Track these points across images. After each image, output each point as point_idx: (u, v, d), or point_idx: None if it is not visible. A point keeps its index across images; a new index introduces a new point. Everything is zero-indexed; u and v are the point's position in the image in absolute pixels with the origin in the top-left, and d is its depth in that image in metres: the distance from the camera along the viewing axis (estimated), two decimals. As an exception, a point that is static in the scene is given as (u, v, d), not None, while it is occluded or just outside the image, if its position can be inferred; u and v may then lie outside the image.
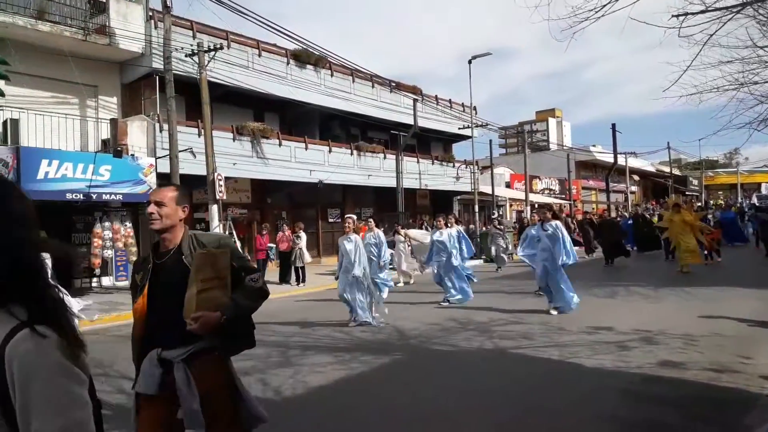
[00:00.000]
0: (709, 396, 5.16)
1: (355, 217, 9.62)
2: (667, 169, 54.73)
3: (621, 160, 42.94)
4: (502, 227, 20.74)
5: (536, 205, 33.83)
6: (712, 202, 40.31)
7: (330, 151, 21.66)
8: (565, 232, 9.88)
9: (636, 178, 53.03)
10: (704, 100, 9.85)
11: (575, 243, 20.27)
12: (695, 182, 58.79)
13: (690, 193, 55.41)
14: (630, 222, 22.56)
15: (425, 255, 12.73)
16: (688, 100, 9.74)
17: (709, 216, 20.68)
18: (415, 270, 16.14)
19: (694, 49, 7.96)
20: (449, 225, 12.53)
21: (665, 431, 4.41)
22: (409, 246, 16.22)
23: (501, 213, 26.28)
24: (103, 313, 11.21)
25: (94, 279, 15.25)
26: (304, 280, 15.53)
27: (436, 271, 11.65)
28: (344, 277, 9.36)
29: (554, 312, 9.51)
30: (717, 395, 5.16)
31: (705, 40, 7.17)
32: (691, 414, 4.75)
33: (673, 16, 6.99)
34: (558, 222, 9.97)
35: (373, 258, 10.94)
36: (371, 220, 12.02)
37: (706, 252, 16.60)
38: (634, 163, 47.77)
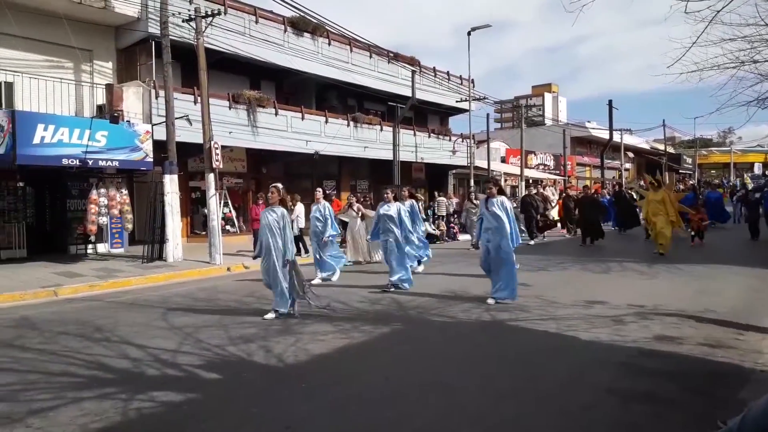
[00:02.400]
0: (705, 370, 5.26)
1: (280, 185, 8.16)
2: (661, 147, 54.86)
3: (616, 137, 42.97)
4: (477, 202, 20.72)
5: (530, 180, 33.95)
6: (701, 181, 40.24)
7: (326, 121, 21.53)
8: (511, 211, 8.66)
9: (630, 155, 53.13)
10: (704, 78, 9.86)
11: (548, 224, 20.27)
12: (689, 160, 59.01)
13: (683, 171, 55.70)
14: (611, 199, 22.59)
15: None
16: (688, 77, 9.74)
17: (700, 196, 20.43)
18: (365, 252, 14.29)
19: (698, 26, 7.95)
20: (403, 198, 11.85)
21: (662, 403, 4.50)
22: (362, 222, 14.21)
23: (475, 188, 26.16)
24: (100, 279, 11.23)
25: (89, 245, 15.24)
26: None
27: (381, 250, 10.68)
28: (267, 259, 7.79)
29: (491, 301, 8.37)
30: (712, 369, 5.26)
31: (711, 16, 7.16)
32: (687, 387, 4.85)
33: (681, -9, 6.96)
34: (504, 198, 8.65)
35: (318, 233, 10.81)
36: (319, 190, 11.58)
37: (692, 233, 16.40)
38: (629, 140, 47.81)
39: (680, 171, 56.42)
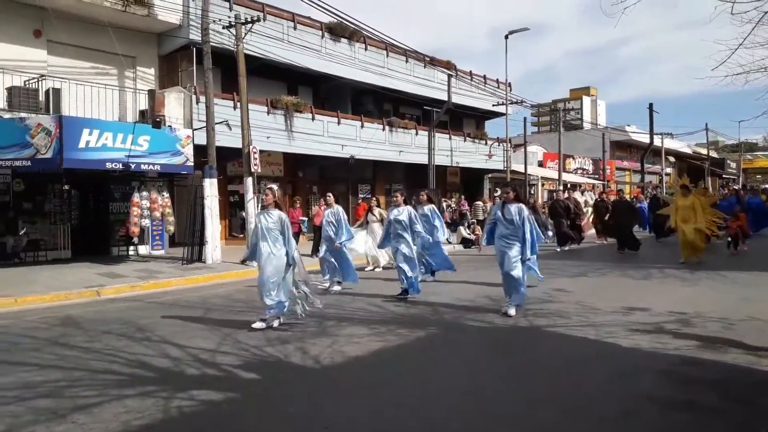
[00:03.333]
0: (749, 380, 5.11)
1: (275, 186, 7.61)
2: (703, 151, 53.50)
3: (657, 141, 42.06)
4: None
5: (568, 185, 33.48)
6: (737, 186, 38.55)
7: (362, 126, 21.64)
8: (529, 220, 8.08)
9: (672, 159, 51.97)
10: (750, 81, 9.61)
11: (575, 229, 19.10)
12: (733, 165, 57.38)
13: (727, 176, 54.18)
14: (645, 205, 21.89)
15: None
16: (733, 80, 9.51)
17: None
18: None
19: (745, 27, 7.75)
20: (422, 202, 11.51)
21: (703, 412, 4.40)
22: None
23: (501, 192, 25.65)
24: (141, 280, 11.49)
25: (131, 247, 15.62)
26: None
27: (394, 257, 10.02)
28: (264, 269, 7.23)
29: (505, 309, 7.99)
30: (756, 379, 5.11)
31: (759, 17, 6.98)
32: (729, 396, 4.72)
33: (726, -8, 6.80)
34: (522, 206, 8.11)
35: (331, 238, 10.32)
36: (330, 195, 10.96)
37: (729, 240, 15.61)
38: (670, 144, 46.78)
39: (724, 176, 54.88)
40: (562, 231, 17.92)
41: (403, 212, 9.52)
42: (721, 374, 5.23)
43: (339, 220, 10.36)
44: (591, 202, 23.43)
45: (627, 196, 25.53)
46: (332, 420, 4.30)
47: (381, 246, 10.80)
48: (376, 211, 13.84)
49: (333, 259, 10.43)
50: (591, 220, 20.91)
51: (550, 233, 18.76)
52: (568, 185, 30.32)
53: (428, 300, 9.27)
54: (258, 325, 7.15)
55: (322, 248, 10.61)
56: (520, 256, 8.00)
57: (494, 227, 8.31)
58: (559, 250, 17.44)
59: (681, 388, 4.93)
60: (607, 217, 18.56)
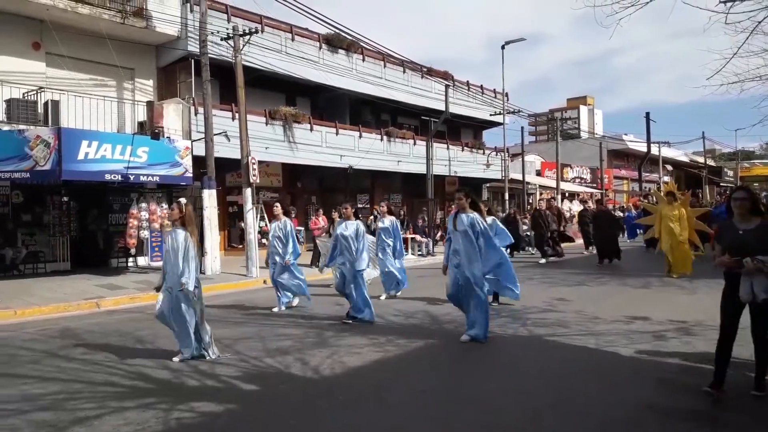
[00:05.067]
0: (749, 389, 5.10)
1: (184, 200, 6.70)
2: (701, 159, 53.67)
3: (654, 150, 42.19)
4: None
5: (566, 194, 33.55)
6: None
7: (360, 136, 21.69)
8: (487, 231, 7.03)
9: (669, 168, 52.10)
10: (746, 89, 9.68)
11: (564, 239, 18.63)
12: (730, 173, 57.53)
13: (725, 185, 54.29)
14: (638, 214, 21.69)
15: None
16: (728, 88, 9.57)
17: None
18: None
19: (739, 37, 7.81)
20: (382, 215, 10.67)
21: (704, 420, 4.41)
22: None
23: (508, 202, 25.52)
24: (140, 292, 11.47)
25: (130, 259, 15.60)
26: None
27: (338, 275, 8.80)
28: (166, 292, 6.42)
29: (466, 337, 6.92)
30: (758, 387, 5.10)
31: (752, 27, 7.04)
32: (730, 405, 4.73)
33: (720, 2, 6.87)
34: (476, 215, 6.93)
35: (278, 254, 9.46)
36: (277, 205, 9.94)
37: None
38: (667, 152, 46.90)
39: (721, 184, 55.01)
40: (543, 243, 17.39)
41: (351, 227, 8.44)
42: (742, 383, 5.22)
43: (287, 234, 9.49)
44: (568, 213, 23.29)
45: (610, 205, 25.42)
46: (333, 431, 4.29)
47: (327, 265, 9.61)
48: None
49: (285, 276, 9.49)
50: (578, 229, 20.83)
51: (530, 249, 18.55)
52: (551, 196, 30.03)
53: (427, 310, 9.27)
54: (176, 359, 6.28)
55: (272, 268, 9.61)
56: (480, 278, 6.90)
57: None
58: (543, 262, 16.84)
59: (682, 396, 4.93)
60: (591, 228, 18.27)
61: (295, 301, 9.91)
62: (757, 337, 4.90)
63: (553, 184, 32.48)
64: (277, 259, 9.51)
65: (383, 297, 10.50)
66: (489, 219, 9.69)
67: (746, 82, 9.58)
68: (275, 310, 9.46)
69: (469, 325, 6.99)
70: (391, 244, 10.80)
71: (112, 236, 15.67)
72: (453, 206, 7.86)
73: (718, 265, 4.85)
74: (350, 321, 8.26)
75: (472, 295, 6.88)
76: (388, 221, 10.98)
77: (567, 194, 34.76)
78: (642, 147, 41.63)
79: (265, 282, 13.18)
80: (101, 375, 5.75)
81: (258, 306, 10.12)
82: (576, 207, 26.37)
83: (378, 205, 11.39)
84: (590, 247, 19.41)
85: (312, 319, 8.75)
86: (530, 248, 19.17)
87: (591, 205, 22.33)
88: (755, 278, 4.57)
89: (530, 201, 32.04)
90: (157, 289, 6.56)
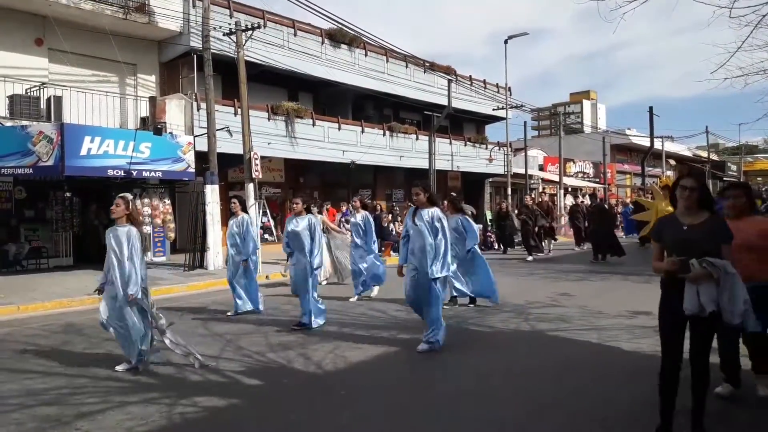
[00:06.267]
0: (753, 383, 5.10)
1: (129, 196, 6.09)
2: (704, 154, 53.51)
3: (657, 144, 42.07)
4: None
5: (569, 188, 33.49)
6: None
7: (363, 131, 21.68)
8: (447, 229, 6.44)
9: (672, 162, 51.96)
10: (749, 83, 9.64)
11: (548, 234, 18.21)
12: (734, 167, 57.37)
13: (728, 179, 54.15)
14: (630, 209, 21.28)
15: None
16: (732, 82, 9.53)
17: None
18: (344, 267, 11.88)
19: (743, 31, 7.78)
20: (356, 209, 10.33)
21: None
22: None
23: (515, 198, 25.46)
24: (144, 287, 11.47)
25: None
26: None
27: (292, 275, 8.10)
28: (113, 296, 5.92)
29: (424, 347, 6.32)
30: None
31: (757, 21, 7.00)
32: (734, 400, 4.72)
33: (724, -5, 6.83)
34: (436, 210, 6.43)
35: (235, 255, 8.82)
36: (235, 201, 9.17)
37: None
38: (670, 147, 46.79)
39: (725, 179, 54.87)
40: (529, 239, 17.05)
41: (302, 222, 7.72)
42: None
43: (244, 232, 8.80)
44: (557, 208, 23.04)
45: (613, 200, 25.20)
46: (335, 427, 4.29)
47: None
48: (319, 218, 11.81)
49: (243, 280, 8.85)
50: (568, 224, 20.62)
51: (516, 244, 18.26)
52: (537, 190, 29.84)
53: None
54: (120, 367, 5.76)
55: (230, 269, 8.94)
56: (436, 280, 6.30)
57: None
58: (530, 259, 16.42)
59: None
60: (587, 224, 18.02)
61: (246, 307, 8.87)
62: (698, 362, 3.97)
63: (556, 178, 32.42)
64: (236, 258, 8.83)
65: (353, 299, 9.94)
66: (458, 216, 9.19)
67: (750, 75, 9.55)
68: (230, 314, 8.72)
69: (427, 332, 6.41)
70: (360, 241, 10.28)
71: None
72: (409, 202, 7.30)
73: (658, 269, 4.02)
74: (297, 328, 7.52)
75: (428, 297, 6.33)
76: (360, 216, 10.37)
77: (570, 189, 34.73)
78: (645, 141, 41.50)
79: (267, 277, 13.22)
80: (104, 370, 5.76)
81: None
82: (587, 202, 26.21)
83: (353, 199, 10.87)
84: (582, 244, 19.26)
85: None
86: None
87: (582, 199, 21.95)
88: (701, 285, 3.71)
89: (533, 196, 31.97)
90: (99, 292, 6.08)
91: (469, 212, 11.01)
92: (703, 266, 3.68)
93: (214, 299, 10.53)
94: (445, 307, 8.19)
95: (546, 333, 7.16)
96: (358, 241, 10.32)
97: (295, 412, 4.58)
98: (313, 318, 7.60)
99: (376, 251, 10.66)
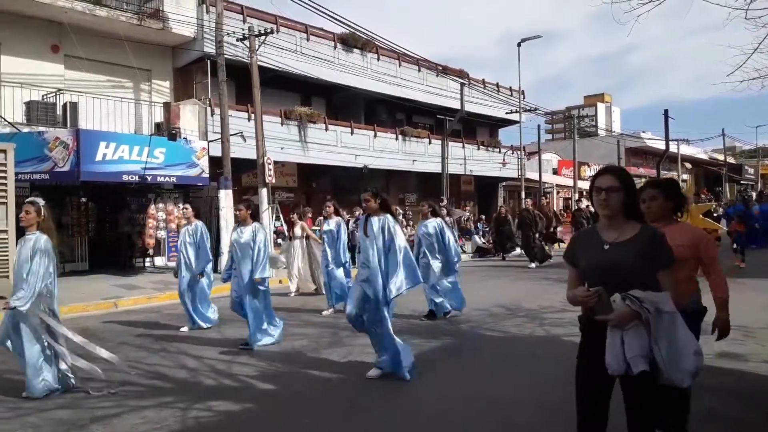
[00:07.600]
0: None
1: (42, 201, 5.27)
2: (720, 157, 52.97)
3: (673, 148, 41.69)
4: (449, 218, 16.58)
5: (584, 192, 33.23)
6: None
7: (375, 135, 21.69)
8: (402, 240, 5.55)
9: (688, 166, 51.49)
10: (766, 85, 9.52)
11: (549, 239, 17.45)
12: (751, 171, 56.72)
13: (745, 182, 53.60)
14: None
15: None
16: (749, 84, 9.42)
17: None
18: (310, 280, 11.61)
19: (760, 32, 7.69)
20: (328, 216, 9.53)
21: (724, 421, 4.34)
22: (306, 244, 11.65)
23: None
24: (158, 291, 11.56)
25: (147, 259, 15.73)
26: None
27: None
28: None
29: (375, 372, 5.53)
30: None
31: (774, 22, 6.92)
32: (751, 405, 4.66)
33: (740, -4, 6.76)
34: (388, 218, 5.61)
35: (189, 266, 8.18)
36: (187, 206, 8.72)
37: (734, 247, 14.18)
38: (686, 150, 46.34)
39: (741, 182, 54.28)
40: (531, 245, 16.29)
41: (246, 232, 7.03)
42: (743, 383, 5.16)
43: (198, 242, 8.21)
44: (560, 213, 22.78)
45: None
46: (349, 431, 4.29)
47: (224, 279, 7.63)
48: (299, 225, 11.74)
49: (191, 293, 8.26)
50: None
51: (518, 250, 17.85)
52: (534, 195, 29.43)
53: (443, 309, 9.22)
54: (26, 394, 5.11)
55: (181, 281, 8.22)
56: (384, 300, 5.43)
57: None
58: (533, 266, 15.56)
59: (700, 397, 4.85)
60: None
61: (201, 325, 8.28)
62: None
63: (571, 182, 32.25)
64: (185, 270, 8.21)
65: (327, 312, 9.23)
66: (434, 222, 8.66)
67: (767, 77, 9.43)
68: (183, 330, 8.12)
69: (380, 353, 5.58)
70: (331, 250, 9.36)
71: (129, 236, 15.81)
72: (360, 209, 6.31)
73: (572, 300, 2.99)
74: (245, 347, 6.77)
75: (377, 318, 5.46)
76: (333, 223, 9.43)
77: (584, 193, 34.48)
78: (660, 145, 41.13)
79: (281, 282, 13.24)
80: (119, 374, 5.79)
81: (275, 306, 10.11)
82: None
83: (326, 205, 9.86)
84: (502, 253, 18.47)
85: (327, 318, 8.77)
86: (520, 249, 17.91)
87: (585, 203, 21.57)
88: (627, 333, 2.65)
89: (547, 199, 31.80)
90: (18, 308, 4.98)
91: (458, 216, 10.70)
92: (626, 303, 2.60)
93: (224, 304, 10.55)
94: (422, 320, 8.28)
95: (561, 338, 7.10)
96: (330, 251, 9.37)
97: (308, 417, 4.57)
98: (258, 336, 6.88)
99: (349, 263, 9.61)
